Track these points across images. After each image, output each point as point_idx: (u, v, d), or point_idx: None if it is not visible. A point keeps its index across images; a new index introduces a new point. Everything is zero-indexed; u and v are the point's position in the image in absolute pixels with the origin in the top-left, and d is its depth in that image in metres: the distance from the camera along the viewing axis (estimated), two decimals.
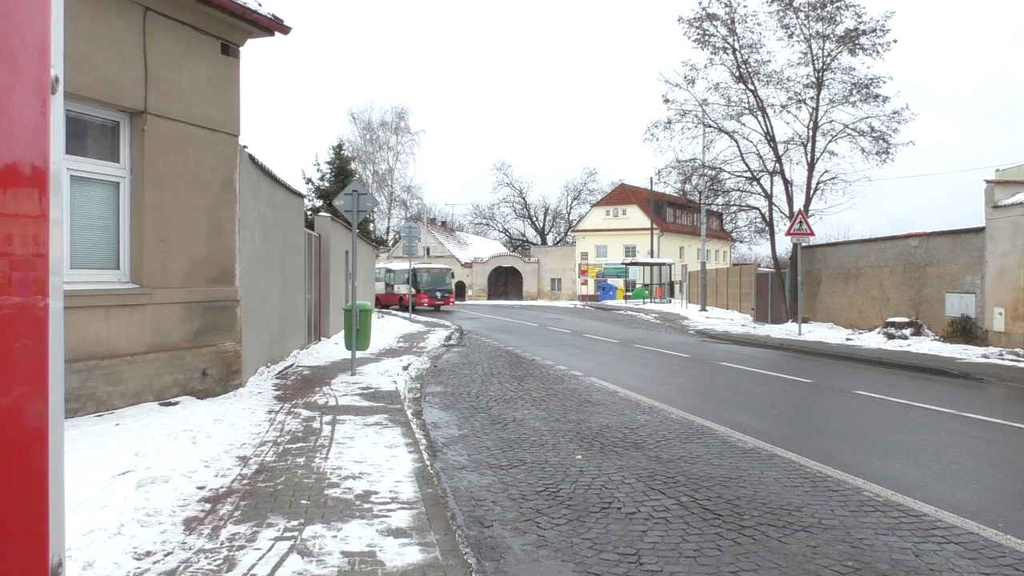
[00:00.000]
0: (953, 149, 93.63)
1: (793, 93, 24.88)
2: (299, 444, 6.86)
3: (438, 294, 41.55)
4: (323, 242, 17.68)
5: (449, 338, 20.84)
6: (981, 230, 17.58)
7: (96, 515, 4.42)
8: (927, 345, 17.30)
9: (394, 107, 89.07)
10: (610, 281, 54.72)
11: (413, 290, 37.60)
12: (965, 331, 17.53)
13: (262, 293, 11.26)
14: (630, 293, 49.85)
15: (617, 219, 62.16)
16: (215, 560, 4.00)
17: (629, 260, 52.70)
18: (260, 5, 9.22)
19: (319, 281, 17.32)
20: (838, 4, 23.41)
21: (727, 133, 26.07)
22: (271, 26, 9.41)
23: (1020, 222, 16.36)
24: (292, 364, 12.71)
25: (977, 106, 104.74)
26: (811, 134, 24.36)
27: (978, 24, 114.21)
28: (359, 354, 12.74)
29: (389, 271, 44.69)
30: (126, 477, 5.16)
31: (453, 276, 44.21)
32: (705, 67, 25.79)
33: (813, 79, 24.29)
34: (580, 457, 6.91)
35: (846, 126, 24.12)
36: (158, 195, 8.31)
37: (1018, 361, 14.48)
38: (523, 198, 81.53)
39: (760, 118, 25.17)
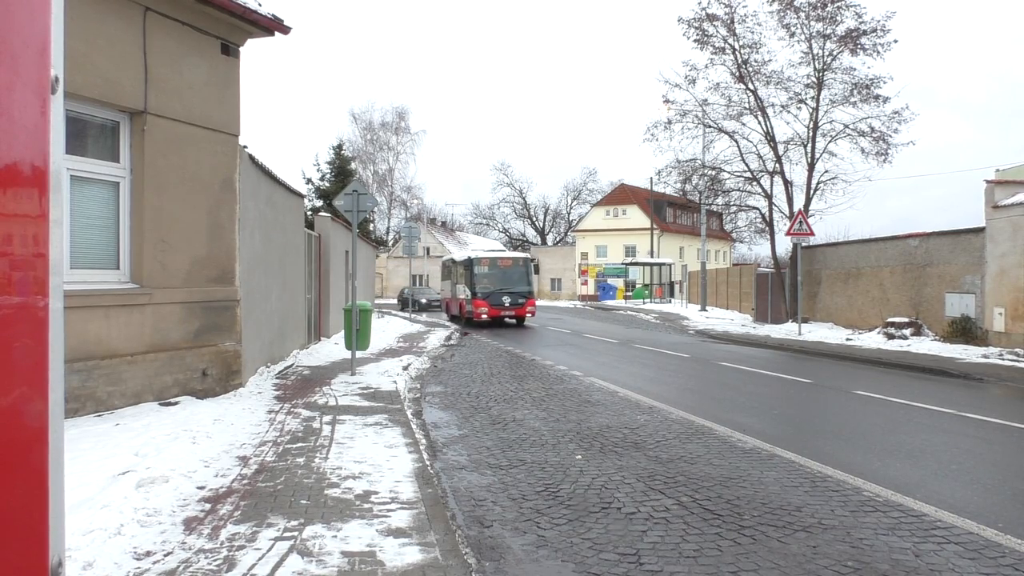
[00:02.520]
0: (961, 148, 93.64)
1: (793, 93, 24.90)
2: (299, 444, 6.86)
3: (506, 300, 26.20)
4: (323, 242, 17.68)
5: (449, 338, 20.84)
6: (981, 230, 17.58)
7: (96, 515, 4.42)
8: (927, 345, 17.29)
9: (395, 107, 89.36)
10: (610, 281, 54.72)
11: (468, 293, 26.71)
12: (965, 331, 17.52)
13: (262, 293, 11.26)
14: (630, 293, 49.84)
15: (617, 219, 62.16)
16: (215, 560, 4.00)
17: (629, 260, 52.68)
18: (260, 5, 9.22)
19: (319, 281, 17.32)
20: (839, 4, 23.42)
21: (727, 133, 26.08)
22: (271, 26, 9.41)
23: (1020, 222, 16.36)
24: (292, 364, 12.71)
25: (984, 106, 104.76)
26: (811, 134, 24.37)
27: (983, 24, 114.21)
28: (359, 354, 12.74)
29: (454, 264, 30.48)
30: (126, 477, 5.16)
31: (537, 269, 25.32)
32: (705, 67, 25.81)
33: (813, 79, 24.29)
34: (580, 457, 6.91)
35: (846, 126, 24.13)
36: (158, 195, 8.30)
37: (1018, 361, 14.48)
38: (523, 198, 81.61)
39: (760, 118, 25.19)
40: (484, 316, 25.82)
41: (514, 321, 27.07)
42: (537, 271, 28.57)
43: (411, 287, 47.21)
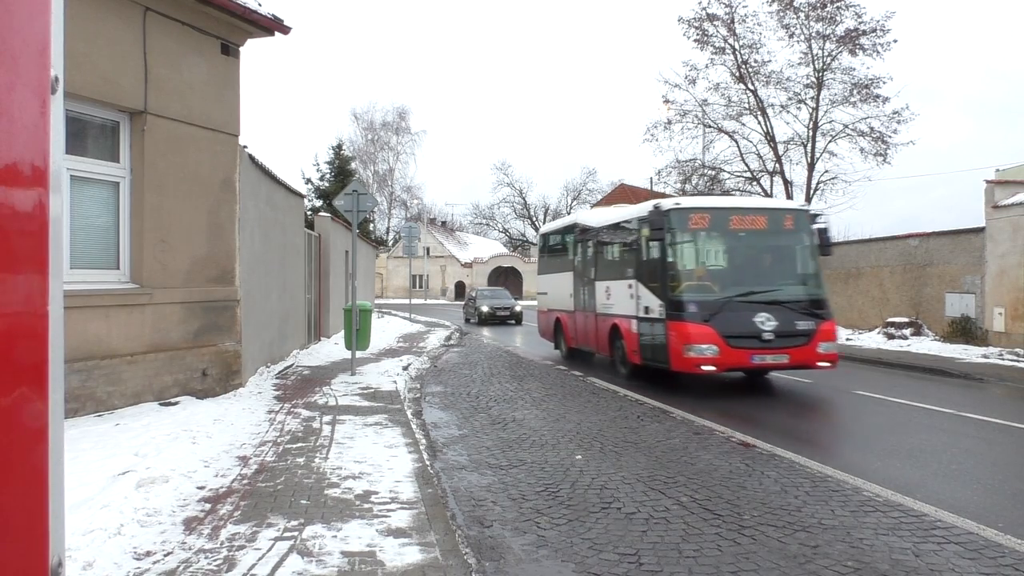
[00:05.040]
0: (965, 148, 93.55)
1: (793, 93, 24.95)
2: (299, 444, 6.86)
3: (767, 322, 10.19)
4: (323, 242, 17.69)
5: (449, 338, 20.84)
6: (981, 230, 17.59)
7: (96, 515, 4.41)
8: (927, 345, 17.30)
9: (396, 107, 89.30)
10: None
11: (650, 301, 11.10)
12: (965, 331, 17.53)
13: (262, 293, 11.26)
14: None
15: None
16: (215, 560, 4.00)
17: None
18: (260, 5, 9.22)
19: (319, 281, 17.32)
20: (838, 4, 23.46)
21: (727, 133, 26.13)
22: (271, 26, 9.41)
23: (1020, 222, 16.36)
24: (292, 364, 12.70)
25: (986, 104, 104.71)
26: (811, 134, 24.40)
27: (983, 23, 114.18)
28: (359, 354, 12.74)
29: (587, 236, 14.48)
30: (126, 477, 5.16)
31: (826, 239, 11.09)
32: (705, 67, 25.86)
33: (813, 79, 24.33)
34: (580, 457, 6.91)
35: (846, 126, 24.18)
36: (158, 195, 8.30)
37: (1018, 361, 14.48)
38: (523, 198, 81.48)
39: (760, 118, 25.23)
40: (708, 365, 10.26)
41: (777, 369, 11.28)
42: (826, 244, 11.07)
43: (478, 287, 35.55)
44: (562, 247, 16.57)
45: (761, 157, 25.81)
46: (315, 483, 5.55)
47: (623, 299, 12.16)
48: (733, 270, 11.09)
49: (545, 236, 18.42)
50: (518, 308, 29.86)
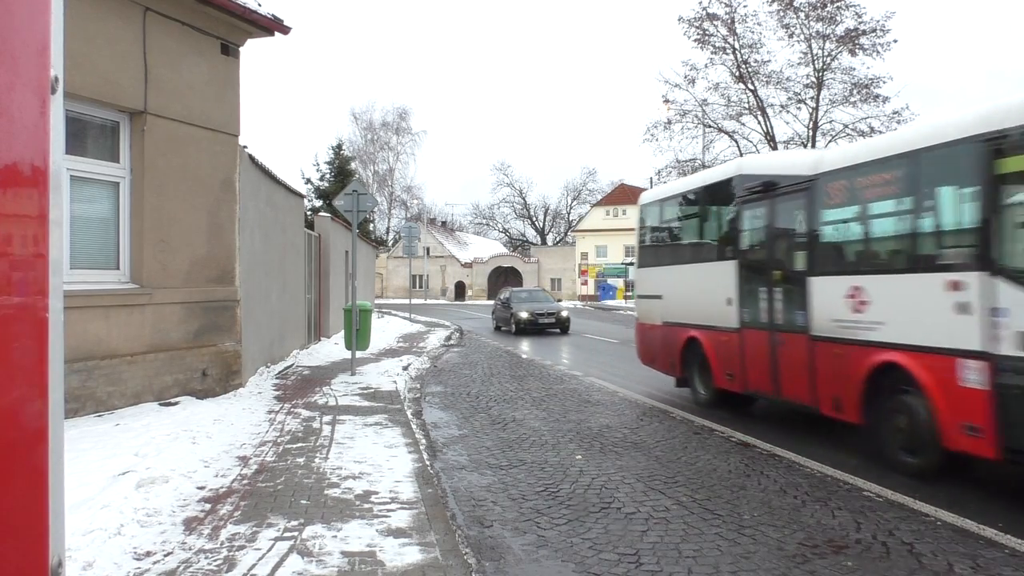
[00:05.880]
0: None
1: (793, 93, 25.02)
2: (299, 444, 6.86)
3: None
4: (323, 242, 17.69)
5: (449, 338, 20.84)
6: None
7: (96, 515, 4.42)
8: None
9: (396, 107, 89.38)
10: (610, 281, 54.75)
11: None
12: None
13: (262, 293, 11.26)
14: (630, 293, 49.88)
15: (617, 219, 62.13)
16: (215, 560, 4.00)
17: (629, 260, 52.68)
18: (260, 5, 9.22)
19: (319, 281, 17.32)
20: (838, 4, 23.49)
21: (727, 133, 26.17)
22: (271, 26, 9.41)
23: None
24: (292, 364, 12.70)
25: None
26: (811, 134, 24.43)
27: (982, 21, 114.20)
28: (359, 354, 12.74)
29: (764, 193, 8.23)
30: (126, 477, 5.16)
31: None
32: (705, 67, 25.94)
33: (813, 79, 24.39)
34: (580, 457, 6.91)
35: (846, 126, 24.21)
36: (158, 195, 8.30)
37: None
38: (523, 198, 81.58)
39: (760, 118, 25.27)
40: None
41: None
42: None
43: (511, 288, 28.80)
44: (702, 221, 10.11)
45: None
46: (315, 483, 5.55)
47: (925, 313, 6.06)
48: None
49: (656, 206, 11.16)
50: (564, 313, 24.22)
